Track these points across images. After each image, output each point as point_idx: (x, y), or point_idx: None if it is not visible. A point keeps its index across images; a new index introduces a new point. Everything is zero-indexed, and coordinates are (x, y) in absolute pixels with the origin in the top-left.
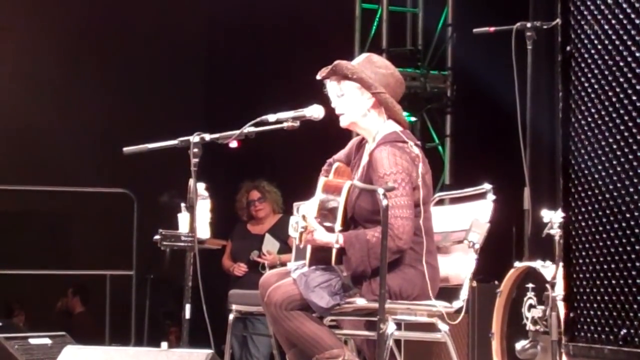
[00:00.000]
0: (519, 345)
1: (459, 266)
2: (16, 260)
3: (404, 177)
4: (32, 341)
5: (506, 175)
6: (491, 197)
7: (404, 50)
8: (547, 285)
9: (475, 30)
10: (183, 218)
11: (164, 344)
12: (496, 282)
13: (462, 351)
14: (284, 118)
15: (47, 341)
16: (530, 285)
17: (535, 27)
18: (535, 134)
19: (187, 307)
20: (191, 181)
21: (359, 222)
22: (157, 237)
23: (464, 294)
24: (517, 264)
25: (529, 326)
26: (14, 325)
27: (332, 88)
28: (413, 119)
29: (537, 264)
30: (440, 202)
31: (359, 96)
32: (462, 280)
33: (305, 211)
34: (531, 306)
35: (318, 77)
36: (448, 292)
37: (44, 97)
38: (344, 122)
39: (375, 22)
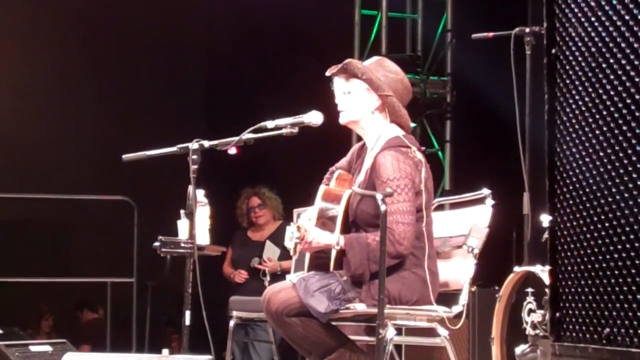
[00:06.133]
0: (519, 349)
1: (458, 271)
2: (16, 268)
3: (407, 183)
4: (32, 348)
5: (506, 180)
6: (490, 202)
7: (403, 56)
8: (547, 290)
9: (474, 35)
10: (182, 225)
11: (165, 351)
12: (496, 287)
13: (463, 356)
14: (283, 124)
15: (48, 348)
16: (529, 289)
17: (534, 33)
18: (534, 139)
19: (187, 313)
20: (190, 188)
21: (361, 226)
22: (156, 243)
23: (464, 298)
24: (516, 268)
25: (529, 330)
26: (14, 332)
27: (340, 85)
28: (413, 124)
29: (537, 269)
30: (440, 207)
31: (366, 96)
32: (461, 285)
33: (301, 222)
34: (531, 310)
35: (327, 73)
36: (447, 297)
37: (43, 105)
38: (343, 119)
39: (375, 28)
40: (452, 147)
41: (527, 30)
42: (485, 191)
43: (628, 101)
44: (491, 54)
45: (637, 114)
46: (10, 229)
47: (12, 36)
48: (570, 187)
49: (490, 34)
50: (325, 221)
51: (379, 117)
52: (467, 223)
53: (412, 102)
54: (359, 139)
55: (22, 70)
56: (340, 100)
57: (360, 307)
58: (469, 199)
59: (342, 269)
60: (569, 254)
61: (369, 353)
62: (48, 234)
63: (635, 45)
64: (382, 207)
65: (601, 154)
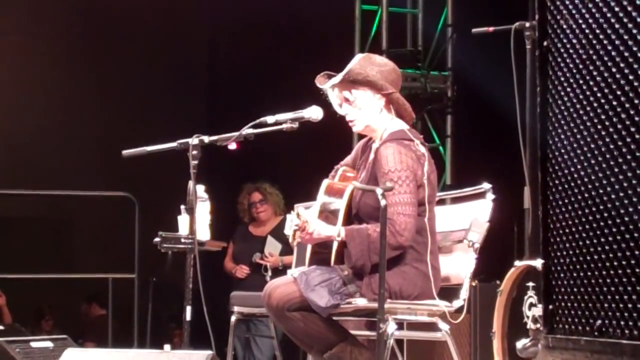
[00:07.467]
0: (520, 344)
1: (459, 266)
2: (17, 265)
3: (408, 175)
4: (33, 344)
5: (507, 174)
6: (490, 196)
7: (404, 51)
8: None
9: (474, 30)
10: (183, 220)
11: (167, 347)
12: (497, 281)
13: (464, 350)
14: (283, 119)
15: (49, 344)
16: (530, 283)
17: (534, 27)
18: (534, 133)
19: (188, 309)
20: (190, 183)
21: (364, 219)
22: (157, 239)
23: (464, 293)
24: (517, 262)
25: (530, 325)
26: (15, 328)
27: (342, 95)
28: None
29: (538, 263)
30: (441, 201)
31: (371, 98)
32: (462, 280)
33: (301, 210)
34: (532, 305)
35: (327, 86)
36: (448, 292)
37: (44, 101)
38: (359, 127)
39: (375, 23)
40: (452, 142)
41: (527, 24)
42: (486, 185)
43: (619, 93)
44: (491, 48)
45: (627, 105)
46: (10, 225)
47: (14, 33)
48: (563, 180)
49: (491, 29)
50: (327, 215)
51: (385, 112)
52: (467, 217)
53: (412, 97)
54: (361, 135)
55: (23, 66)
56: (347, 111)
57: (361, 302)
58: (469, 194)
59: (343, 263)
60: (561, 246)
61: (370, 348)
62: (49, 230)
63: (626, 37)
64: (382, 202)
65: (592, 146)
